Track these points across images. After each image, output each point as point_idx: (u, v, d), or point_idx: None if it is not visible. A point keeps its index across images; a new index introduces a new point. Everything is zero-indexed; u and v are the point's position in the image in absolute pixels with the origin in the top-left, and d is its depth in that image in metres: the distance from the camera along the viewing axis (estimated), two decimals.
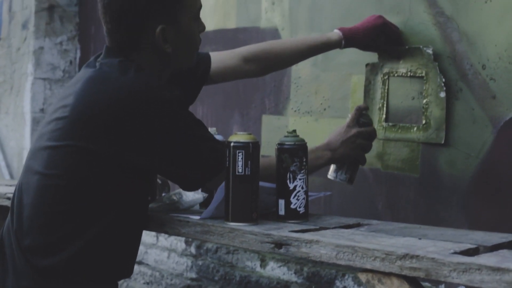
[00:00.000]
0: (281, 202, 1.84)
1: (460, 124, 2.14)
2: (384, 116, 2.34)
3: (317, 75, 2.60)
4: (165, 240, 3.36)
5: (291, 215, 1.83)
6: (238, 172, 1.76)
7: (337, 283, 2.50)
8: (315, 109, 2.61)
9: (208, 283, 3.04)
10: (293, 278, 2.68)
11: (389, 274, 1.46)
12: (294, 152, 1.83)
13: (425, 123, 2.21)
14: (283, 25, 2.75)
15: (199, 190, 2.04)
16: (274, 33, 2.79)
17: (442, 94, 2.17)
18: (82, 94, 1.82)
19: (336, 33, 2.27)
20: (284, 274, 2.72)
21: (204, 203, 2.07)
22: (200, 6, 1.98)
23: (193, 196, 2.06)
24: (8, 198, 2.50)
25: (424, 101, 2.22)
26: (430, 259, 1.38)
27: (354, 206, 2.46)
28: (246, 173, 1.76)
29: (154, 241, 3.43)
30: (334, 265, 2.46)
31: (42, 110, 4.08)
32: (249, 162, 1.76)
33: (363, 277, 1.51)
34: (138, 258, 3.32)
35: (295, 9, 2.70)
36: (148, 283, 3.36)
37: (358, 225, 1.86)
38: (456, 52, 2.15)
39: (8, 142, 4.31)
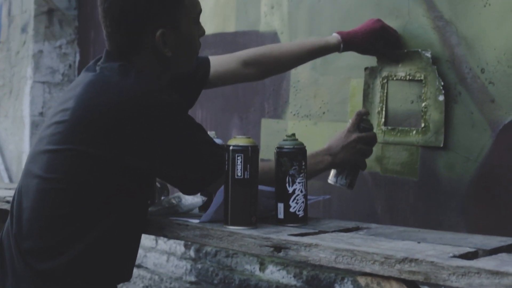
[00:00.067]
0: (280, 206, 1.84)
1: (459, 127, 2.15)
2: (383, 119, 2.34)
3: (316, 79, 2.60)
4: (164, 243, 3.36)
5: (290, 218, 1.83)
6: (237, 175, 1.76)
7: (336, 286, 2.50)
8: (314, 112, 2.61)
9: (207, 286, 3.04)
10: (292, 281, 2.68)
11: (388, 278, 1.45)
12: (293, 156, 1.83)
13: (424, 127, 2.21)
14: (282, 29, 2.76)
15: (198, 194, 2.04)
16: (273, 37, 2.79)
17: (441, 98, 2.17)
18: (82, 98, 1.83)
19: (334, 37, 2.28)
20: (283, 277, 2.72)
21: (203, 207, 2.08)
22: (200, 10, 1.98)
23: (192, 200, 2.07)
24: (7, 202, 2.50)
25: (423, 104, 2.22)
26: (429, 262, 1.38)
27: (353, 210, 2.46)
28: (245, 176, 1.76)
29: (153, 245, 3.43)
30: (333, 269, 2.46)
31: (41, 113, 4.08)
32: (248, 165, 1.76)
33: (362, 280, 1.51)
34: (137, 262, 3.32)
35: (294, 13, 2.71)
36: (147, 287, 3.36)
37: (357, 229, 1.86)
38: (455, 56, 2.15)
39: (7, 146, 4.31)
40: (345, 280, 2.48)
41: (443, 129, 2.17)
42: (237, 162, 1.76)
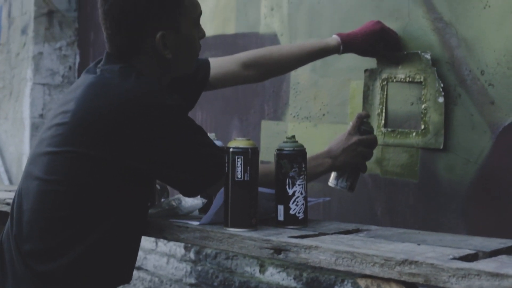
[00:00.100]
0: (280, 208, 1.84)
1: (459, 129, 2.15)
2: (383, 121, 2.34)
3: (316, 80, 2.60)
4: (164, 245, 3.36)
5: (290, 220, 1.83)
6: (237, 177, 1.76)
7: None
8: (314, 114, 2.61)
9: None
10: (292, 283, 2.68)
11: (388, 280, 1.45)
12: (293, 158, 1.83)
13: (424, 128, 2.21)
14: (282, 31, 2.76)
15: (198, 196, 2.04)
16: (273, 39, 2.79)
17: (441, 99, 2.17)
18: (83, 100, 1.83)
19: (334, 39, 2.28)
20: (283, 279, 2.72)
21: (203, 209, 2.08)
22: (200, 13, 1.99)
23: (192, 202, 2.07)
24: (7, 204, 2.50)
25: (423, 106, 2.22)
26: (429, 264, 1.38)
27: (353, 212, 2.46)
28: (245, 178, 1.76)
29: (153, 247, 3.43)
30: (333, 271, 2.46)
31: (41, 115, 4.08)
32: (248, 167, 1.76)
33: (362, 282, 1.51)
34: (137, 264, 3.32)
35: (294, 15, 2.71)
36: None
37: (357, 231, 1.86)
38: (455, 58, 2.15)
39: (7, 148, 4.31)
40: (345, 282, 2.48)
41: (442, 131, 2.17)
42: (237, 164, 1.76)
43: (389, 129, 2.32)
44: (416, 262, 1.40)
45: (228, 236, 1.75)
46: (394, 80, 2.31)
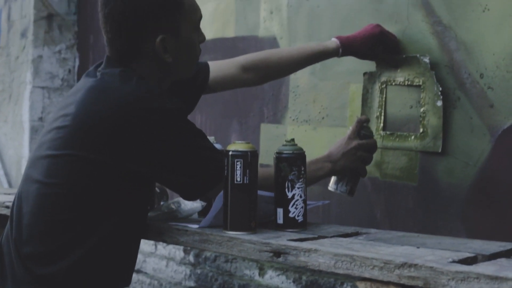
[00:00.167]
0: (280, 211, 1.84)
1: (458, 132, 2.15)
2: (381, 124, 2.34)
3: (315, 84, 2.61)
4: (163, 248, 3.36)
5: (290, 224, 1.83)
6: (237, 181, 1.76)
7: None
8: (314, 118, 2.61)
9: None
10: (292, 286, 2.68)
11: (387, 283, 1.45)
12: (292, 161, 1.83)
13: (422, 132, 2.22)
14: (281, 34, 2.76)
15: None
16: (272, 42, 2.80)
17: (439, 103, 2.17)
18: (83, 103, 1.83)
19: (333, 42, 2.28)
20: (282, 282, 2.72)
21: (203, 212, 2.08)
22: (201, 17, 1.99)
23: (192, 205, 2.07)
24: (7, 207, 2.50)
25: (422, 110, 2.22)
26: (428, 268, 1.38)
27: (353, 215, 2.46)
28: (245, 182, 1.76)
29: (153, 250, 3.43)
30: (333, 274, 2.46)
31: (40, 118, 4.08)
32: (247, 171, 1.76)
33: (361, 286, 1.51)
34: (136, 267, 3.32)
35: (293, 18, 2.71)
36: None
37: (356, 234, 1.86)
38: (454, 61, 2.15)
39: (6, 151, 4.31)
40: (345, 285, 2.48)
41: (441, 135, 2.17)
42: (236, 167, 1.76)
43: (388, 132, 2.32)
44: (415, 265, 1.40)
45: (228, 239, 1.75)
46: (393, 84, 2.31)
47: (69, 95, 1.95)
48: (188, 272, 3.17)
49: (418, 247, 1.62)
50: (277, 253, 1.65)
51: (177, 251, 3.27)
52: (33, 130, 4.06)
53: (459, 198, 2.14)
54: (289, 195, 1.83)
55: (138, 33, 1.88)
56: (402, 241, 1.72)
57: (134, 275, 3.33)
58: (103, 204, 1.82)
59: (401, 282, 1.42)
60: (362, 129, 2.11)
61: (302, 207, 1.84)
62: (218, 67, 2.30)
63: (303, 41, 2.66)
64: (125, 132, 1.78)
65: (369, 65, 2.38)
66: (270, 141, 2.78)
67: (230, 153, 1.77)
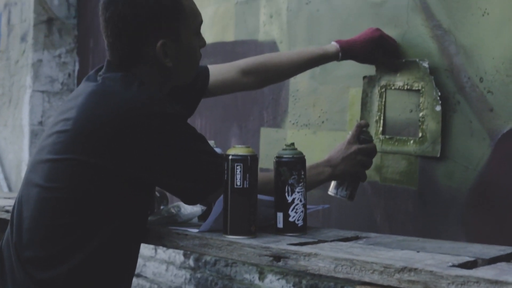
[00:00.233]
0: (279, 215, 1.84)
1: (458, 137, 2.15)
2: (381, 128, 2.34)
3: (315, 88, 2.61)
4: (163, 252, 3.36)
5: (290, 228, 1.83)
6: (236, 185, 1.76)
7: None
8: (313, 122, 2.61)
9: None
10: None
11: (387, 287, 1.45)
12: (292, 165, 1.83)
13: (421, 136, 2.22)
14: (281, 38, 2.76)
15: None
16: (272, 46, 2.80)
17: (438, 108, 2.17)
18: (84, 108, 1.83)
19: (333, 46, 2.28)
20: (282, 287, 2.72)
21: (203, 216, 2.08)
22: (201, 22, 1.99)
23: (192, 209, 2.07)
24: (7, 211, 2.50)
25: (421, 114, 2.22)
26: (428, 272, 1.38)
27: (353, 219, 2.46)
28: (244, 186, 1.76)
29: (153, 254, 3.42)
30: (333, 278, 2.46)
31: (40, 122, 4.08)
32: (247, 175, 1.76)
33: None
34: (136, 271, 3.31)
35: (293, 22, 2.71)
36: None
37: (356, 238, 1.86)
38: (454, 65, 2.15)
39: (6, 155, 4.31)
40: None
41: (439, 139, 2.17)
42: (236, 171, 1.76)
43: (387, 136, 2.32)
44: (415, 269, 1.40)
45: (227, 243, 1.75)
46: (393, 88, 2.32)
47: (69, 99, 1.95)
48: (188, 276, 3.17)
49: (418, 251, 1.62)
50: (277, 257, 1.65)
51: (177, 255, 3.26)
52: (33, 134, 4.06)
53: (459, 202, 2.14)
54: (289, 199, 1.83)
55: (139, 38, 1.88)
56: (402, 245, 1.72)
57: (134, 279, 3.33)
58: (104, 208, 1.82)
59: (401, 286, 1.42)
60: (361, 133, 2.11)
61: (302, 211, 1.84)
62: (218, 71, 2.30)
63: (303, 45, 2.66)
64: (126, 137, 1.78)
65: (369, 69, 2.38)
66: (270, 145, 2.78)
67: (230, 157, 1.77)
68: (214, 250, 1.78)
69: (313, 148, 2.53)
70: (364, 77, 2.40)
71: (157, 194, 2.17)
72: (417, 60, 2.23)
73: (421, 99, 2.22)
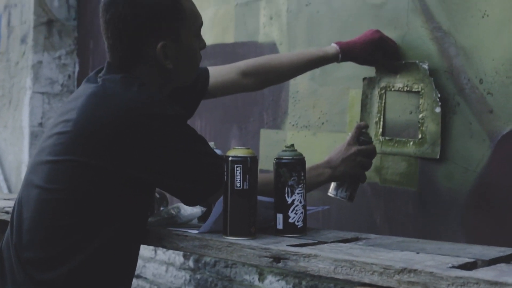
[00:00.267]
0: (279, 216, 1.84)
1: (457, 138, 2.15)
2: (380, 130, 2.34)
3: (315, 89, 2.61)
4: (163, 254, 3.35)
5: (289, 229, 1.83)
6: (236, 186, 1.76)
7: None
8: (313, 123, 2.61)
9: None
10: None
11: None
12: (292, 167, 1.83)
13: (421, 138, 2.22)
14: (281, 40, 2.76)
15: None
16: (272, 48, 2.80)
17: (438, 110, 2.17)
18: (84, 109, 1.83)
19: (333, 47, 2.29)
20: (282, 287, 2.72)
21: (202, 217, 2.08)
22: (201, 24, 1.99)
23: (191, 210, 2.07)
24: (7, 212, 2.50)
25: (420, 116, 2.22)
26: (428, 273, 1.38)
27: (352, 220, 2.46)
28: (244, 187, 1.76)
29: (152, 255, 3.42)
30: (332, 279, 2.46)
31: (40, 124, 4.08)
32: (247, 176, 1.76)
33: None
34: (136, 272, 3.31)
35: (293, 24, 2.71)
36: None
37: (356, 239, 1.86)
38: (454, 67, 2.16)
39: (6, 156, 4.31)
40: None
41: (439, 141, 2.17)
42: (236, 172, 1.76)
43: (387, 138, 2.33)
44: (415, 270, 1.40)
45: (227, 244, 1.76)
46: (392, 89, 2.32)
47: (69, 101, 1.95)
48: (187, 277, 3.17)
49: (417, 253, 1.62)
50: (277, 258, 1.65)
51: (176, 256, 3.26)
52: (33, 136, 4.06)
53: (459, 203, 2.14)
54: (289, 200, 1.83)
55: (139, 39, 1.88)
56: (402, 247, 1.72)
57: (134, 280, 3.33)
58: (104, 209, 1.82)
59: (401, 287, 1.42)
60: (361, 135, 2.11)
61: (301, 213, 1.84)
62: (218, 72, 2.30)
63: (303, 46, 2.66)
64: (126, 138, 1.78)
65: (369, 71, 2.38)
66: (270, 147, 2.78)
67: (230, 158, 1.77)
68: (214, 251, 1.78)
69: (313, 149, 2.53)
70: (364, 79, 2.40)
71: (157, 195, 2.17)
72: (417, 61, 2.23)
73: (421, 101, 2.22)
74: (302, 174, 1.84)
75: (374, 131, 2.34)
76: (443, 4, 2.18)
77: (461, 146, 2.14)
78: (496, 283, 1.29)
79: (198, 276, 3.11)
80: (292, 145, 1.88)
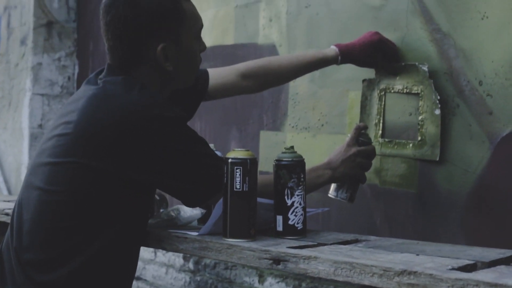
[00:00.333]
0: (279, 218, 1.84)
1: (457, 140, 2.15)
2: (380, 132, 2.34)
3: (315, 91, 2.61)
4: (163, 255, 3.35)
5: (289, 231, 1.83)
6: (236, 188, 1.76)
7: None
8: (313, 125, 2.61)
9: None
10: None
11: None
12: (292, 169, 1.84)
13: (421, 140, 2.22)
14: (280, 42, 2.77)
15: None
16: (271, 49, 2.80)
17: (437, 112, 2.17)
18: (85, 111, 1.83)
19: (332, 49, 2.29)
20: None
21: (202, 219, 2.08)
22: (202, 26, 1.99)
23: (191, 212, 2.07)
24: (7, 214, 2.50)
25: (420, 118, 2.22)
26: (428, 275, 1.38)
27: (352, 222, 2.46)
28: (244, 189, 1.76)
29: (152, 257, 3.42)
30: (332, 281, 2.46)
31: (40, 125, 4.08)
32: (247, 178, 1.76)
33: None
34: (136, 274, 3.31)
35: (292, 26, 2.72)
36: None
37: (356, 241, 1.86)
38: (453, 68, 2.16)
39: (6, 158, 4.31)
40: None
41: (439, 143, 2.17)
42: (235, 174, 1.76)
43: (387, 140, 2.33)
44: (415, 272, 1.40)
45: (227, 246, 1.76)
46: (392, 91, 2.32)
47: (69, 103, 1.95)
48: (187, 279, 3.17)
49: (417, 254, 1.62)
50: (277, 260, 1.65)
51: (176, 258, 3.26)
52: (33, 137, 4.06)
53: (458, 205, 2.14)
54: (289, 202, 1.83)
55: (140, 41, 1.88)
56: (402, 248, 1.72)
57: (134, 282, 3.33)
58: (104, 211, 1.82)
59: None
60: (360, 136, 2.12)
61: (301, 214, 1.84)
62: (217, 74, 2.30)
63: (302, 48, 2.66)
64: (127, 140, 1.79)
65: (368, 73, 2.38)
66: (270, 148, 2.79)
67: (230, 160, 1.77)
68: (214, 253, 1.78)
69: (312, 151, 2.53)
70: (364, 81, 2.40)
71: (157, 197, 2.17)
72: (417, 63, 2.23)
73: (421, 103, 2.22)
74: (302, 176, 1.84)
75: (374, 133, 2.35)
76: (442, 6, 2.19)
77: (461, 148, 2.14)
78: (496, 285, 1.29)
79: (198, 278, 3.11)
80: (292, 147, 1.88)
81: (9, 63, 4.34)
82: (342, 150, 2.08)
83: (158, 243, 1.95)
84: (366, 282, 1.48)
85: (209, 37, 3.01)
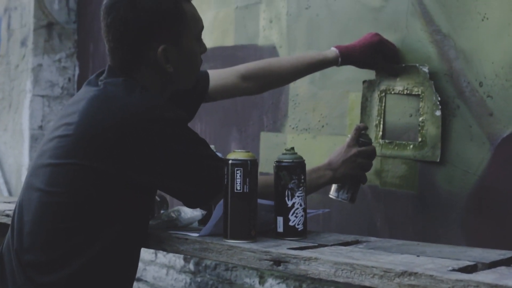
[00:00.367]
0: (280, 219, 1.84)
1: (457, 141, 2.15)
2: (380, 133, 2.34)
3: (315, 92, 2.61)
4: (163, 257, 3.35)
5: (290, 232, 1.84)
6: (237, 189, 1.76)
7: None
8: (313, 126, 2.61)
9: None
10: None
11: None
12: (292, 170, 1.84)
13: (421, 141, 2.22)
14: (280, 43, 2.77)
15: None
16: (272, 51, 2.80)
17: (438, 113, 2.17)
18: (86, 112, 1.83)
19: (333, 51, 2.29)
20: None
21: (203, 220, 2.08)
22: (202, 27, 2.00)
23: (192, 213, 2.07)
24: (7, 215, 2.50)
25: (420, 119, 2.22)
26: (428, 276, 1.39)
27: (353, 223, 2.46)
28: (245, 190, 1.77)
29: (153, 258, 3.42)
30: (333, 282, 2.46)
31: (40, 127, 4.08)
32: (247, 179, 1.77)
33: None
34: (137, 275, 3.31)
35: (292, 27, 2.72)
36: None
37: (356, 242, 1.86)
38: (453, 70, 2.16)
39: (6, 159, 4.31)
40: None
41: (439, 144, 2.17)
42: (236, 176, 1.76)
43: (387, 141, 2.33)
44: (415, 273, 1.40)
45: (228, 247, 1.76)
46: (392, 92, 2.32)
47: (70, 104, 1.95)
48: (188, 280, 3.17)
49: (418, 256, 1.62)
50: (277, 261, 1.65)
51: (177, 260, 3.26)
52: (33, 139, 4.06)
53: (459, 206, 2.14)
54: (289, 203, 1.83)
55: (140, 43, 1.88)
56: (402, 250, 1.72)
57: (135, 284, 3.33)
58: (105, 212, 1.82)
59: None
60: (360, 136, 2.12)
61: (302, 216, 1.84)
62: (218, 75, 2.30)
63: (303, 50, 2.66)
64: (128, 142, 1.79)
65: (369, 74, 2.39)
66: (270, 150, 2.79)
67: (230, 161, 1.77)
68: (214, 254, 1.78)
69: (313, 152, 2.53)
70: (364, 82, 2.40)
71: (157, 198, 2.17)
72: (417, 64, 2.24)
73: (421, 104, 2.22)
74: (302, 177, 1.85)
75: (374, 134, 2.35)
76: (442, 7, 2.19)
77: (461, 149, 2.14)
78: (496, 286, 1.29)
79: (199, 279, 3.11)
80: (292, 148, 1.88)
81: (9, 64, 4.34)
82: (342, 151, 2.09)
83: (159, 244, 1.95)
84: (367, 283, 1.48)
85: (209, 38, 3.01)
